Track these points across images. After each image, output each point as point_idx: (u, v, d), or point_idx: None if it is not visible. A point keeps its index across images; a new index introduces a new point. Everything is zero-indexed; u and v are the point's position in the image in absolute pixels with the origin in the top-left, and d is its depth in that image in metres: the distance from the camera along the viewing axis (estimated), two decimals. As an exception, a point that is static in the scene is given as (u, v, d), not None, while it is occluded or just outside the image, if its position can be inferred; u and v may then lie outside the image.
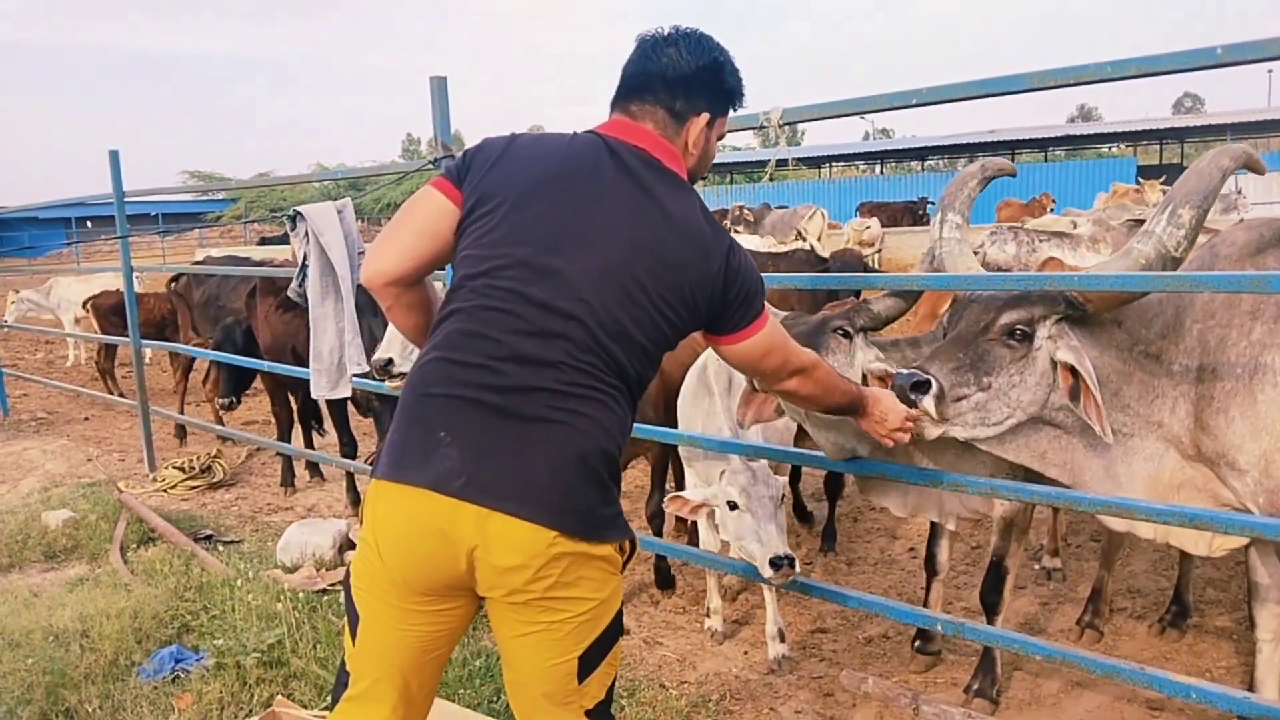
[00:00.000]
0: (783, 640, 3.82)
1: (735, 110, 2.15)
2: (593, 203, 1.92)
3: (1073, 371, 2.52)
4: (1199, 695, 2.44)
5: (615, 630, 2.00)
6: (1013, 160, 36.33)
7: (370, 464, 4.32)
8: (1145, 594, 4.30)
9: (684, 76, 2.00)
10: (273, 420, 6.82)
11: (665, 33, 2.03)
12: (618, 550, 1.97)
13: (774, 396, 2.40)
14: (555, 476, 1.83)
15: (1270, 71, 42.54)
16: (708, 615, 4.11)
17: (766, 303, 2.13)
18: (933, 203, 18.57)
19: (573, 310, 1.85)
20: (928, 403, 2.47)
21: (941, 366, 2.53)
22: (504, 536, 1.80)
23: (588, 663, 1.93)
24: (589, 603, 1.90)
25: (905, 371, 2.52)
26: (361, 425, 6.55)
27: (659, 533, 4.49)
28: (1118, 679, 2.62)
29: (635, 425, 2.19)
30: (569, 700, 1.95)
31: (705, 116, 2.04)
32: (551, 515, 1.82)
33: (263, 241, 30.07)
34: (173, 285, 8.91)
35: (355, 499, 5.98)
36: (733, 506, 3.25)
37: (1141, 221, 5.45)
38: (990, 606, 3.38)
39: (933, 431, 2.55)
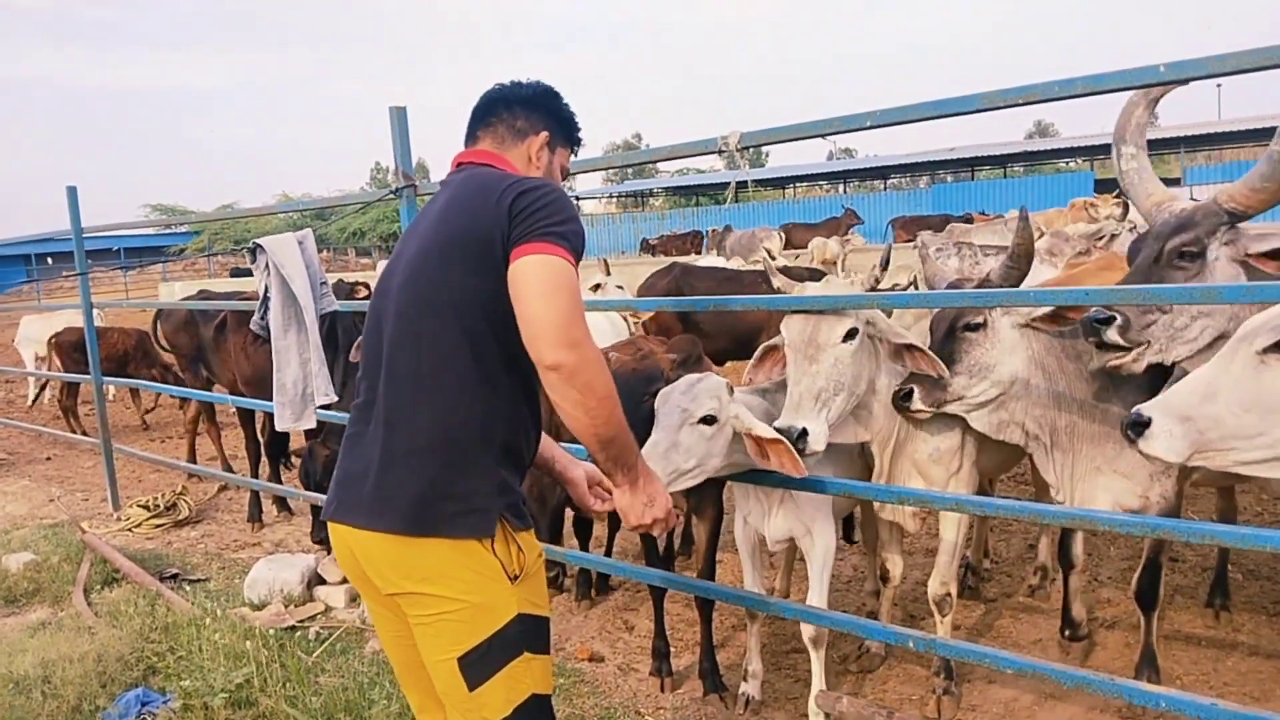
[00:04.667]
0: (756, 680, 3.66)
1: (576, 147, 2.31)
2: (416, 230, 2.13)
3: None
4: (1168, 704, 2.46)
5: (509, 642, 1.95)
6: (972, 178, 37.00)
7: None
8: (1115, 603, 4.34)
9: (525, 98, 2.23)
10: (239, 455, 6.72)
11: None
12: (491, 552, 1.93)
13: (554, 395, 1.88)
14: (377, 479, 1.97)
15: (1219, 85, 43.42)
16: (745, 679, 3.66)
17: (569, 252, 1.90)
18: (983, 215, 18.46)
19: (390, 326, 2.03)
20: (1112, 333, 2.71)
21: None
22: (358, 545, 2.00)
23: (472, 669, 1.93)
24: (457, 603, 1.92)
25: (1093, 311, 2.75)
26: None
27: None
28: (1088, 690, 2.64)
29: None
30: (466, 709, 1.97)
31: (545, 135, 2.22)
32: (367, 517, 1.97)
33: (234, 273, 29.74)
34: (160, 326, 7.61)
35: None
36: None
37: (1102, 236, 5.54)
38: (1150, 602, 3.46)
39: (1135, 366, 2.75)
